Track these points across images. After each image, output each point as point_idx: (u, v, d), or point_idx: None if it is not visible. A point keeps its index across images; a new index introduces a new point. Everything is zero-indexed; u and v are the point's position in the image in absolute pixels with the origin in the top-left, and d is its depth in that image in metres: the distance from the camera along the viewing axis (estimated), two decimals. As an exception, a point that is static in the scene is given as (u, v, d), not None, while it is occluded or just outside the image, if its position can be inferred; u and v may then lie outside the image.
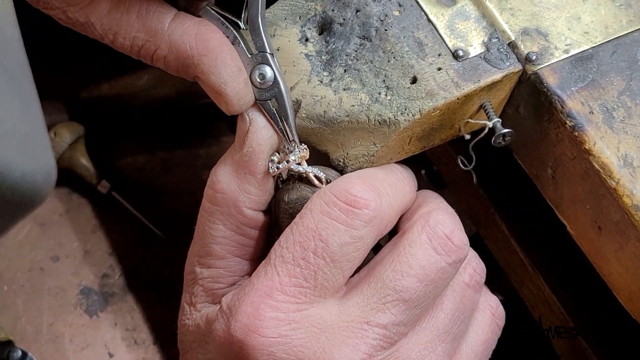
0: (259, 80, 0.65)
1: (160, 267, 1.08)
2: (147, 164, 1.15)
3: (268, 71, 0.65)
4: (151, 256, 1.09)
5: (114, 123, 1.15)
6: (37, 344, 1.02)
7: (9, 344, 1.00)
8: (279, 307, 0.60)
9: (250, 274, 0.67)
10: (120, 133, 1.15)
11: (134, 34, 0.63)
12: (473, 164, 0.70)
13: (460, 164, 0.71)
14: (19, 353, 1.00)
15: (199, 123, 1.16)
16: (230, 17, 0.65)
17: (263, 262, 0.63)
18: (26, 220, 1.08)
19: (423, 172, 1.04)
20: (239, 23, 0.65)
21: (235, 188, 0.65)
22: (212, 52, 0.63)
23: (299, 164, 0.66)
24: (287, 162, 0.65)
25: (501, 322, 0.70)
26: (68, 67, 1.13)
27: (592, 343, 0.76)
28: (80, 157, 1.09)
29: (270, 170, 0.65)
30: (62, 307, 1.04)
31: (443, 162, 0.89)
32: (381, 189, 0.63)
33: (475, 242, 0.90)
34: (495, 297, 0.71)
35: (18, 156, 0.41)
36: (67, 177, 1.10)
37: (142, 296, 1.06)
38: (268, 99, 0.65)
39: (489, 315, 0.69)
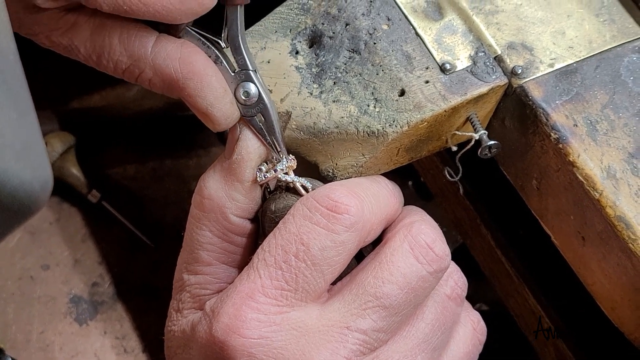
0: (243, 97, 0.66)
1: (149, 276, 1.09)
2: (137, 174, 1.16)
3: (252, 88, 0.66)
4: (140, 265, 1.09)
5: (105, 133, 1.16)
6: (27, 352, 1.03)
7: (-1, 352, 1.00)
8: (260, 309, 0.61)
9: None
10: (111, 143, 1.16)
11: (117, 58, 0.64)
12: (460, 175, 0.71)
13: (447, 175, 0.72)
14: (9, 361, 1.00)
15: (188, 133, 1.18)
16: (210, 36, 0.66)
17: (246, 266, 0.64)
18: (16, 230, 1.09)
19: (410, 183, 1.06)
20: (220, 42, 0.66)
21: (222, 194, 0.66)
22: (197, 75, 0.64)
23: (286, 173, 0.67)
24: (275, 171, 0.67)
25: (482, 337, 0.71)
26: (59, 77, 1.14)
27: (575, 350, 0.77)
28: (70, 166, 1.09)
29: (258, 179, 0.67)
30: (52, 316, 1.05)
31: (430, 173, 0.90)
32: (363, 196, 0.64)
33: (461, 253, 0.92)
34: (477, 312, 0.72)
35: (16, 165, 0.42)
36: (58, 186, 1.11)
37: (132, 305, 1.07)
38: (254, 115, 0.66)
39: (470, 329, 0.70)
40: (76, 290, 1.07)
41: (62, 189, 1.12)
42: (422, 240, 0.64)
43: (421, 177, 0.95)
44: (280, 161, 0.67)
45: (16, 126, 0.43)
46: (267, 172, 0.67)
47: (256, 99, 0.66)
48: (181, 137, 1.18)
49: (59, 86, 1.14)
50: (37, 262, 1.08)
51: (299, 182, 0.67)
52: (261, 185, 0.68)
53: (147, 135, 1.16)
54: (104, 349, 1.04)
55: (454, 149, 0.71)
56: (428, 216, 0.69)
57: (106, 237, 1.11)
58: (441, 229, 0.68)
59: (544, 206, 0.70)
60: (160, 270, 1.09)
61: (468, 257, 0.89)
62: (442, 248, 0.65)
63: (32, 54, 0.45)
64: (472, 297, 1.05)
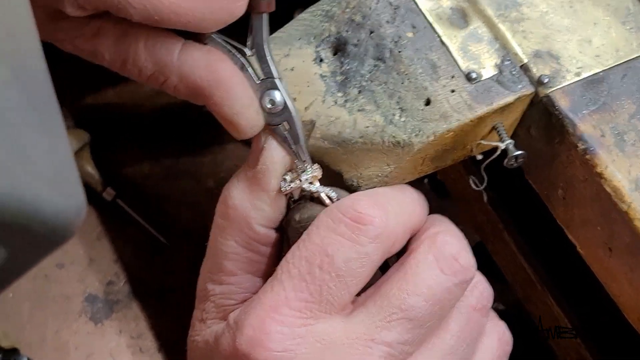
0: (268, 105, 0.65)
1: (164, 275, 1.08)
2: (152, 171, 1.15)
3: (277, 96, 0.66)
4: (156, 264, 1.09)
5: (119, 130, 1.15)
6: (42, 352, 1.02)
7: (14, 352, 1.00)
8: (284, 322, 0.61)
9: None
10: (125, 140, 1.15)
11: (142, 64, 0.63)
12: (485, 184, 0.71)
13: (472, 184, 0.71)
14: (25, 360, 1.00)
15: (203, 130, 1.17)
16: (235, 44, 0.66)
17: (270, 278, 0.64)
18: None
19: (426, 181, 1.05)
20: (245, 50, 0.66)
21: (247, 204, 0.66)
22: (223, 83, 0.63)
23: (310, 183, 0.67)
24: (300, 181, 0.66)
25: (508, 347, 0.71)
26: (72, 73, 1.13)
27: (598, 356, 0.77)
28: (85, 164, 1.09)
29: (283, 189, 0.66)
30: (67, 315, 1.05)
31: (450, 177, 0.89)
32: (388, 206, 0.64)
33: (478, 251, 0.91)
34: (502, 322, 0.71)
35: (49, 193, 0.41)
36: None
37: (147, 304, 1.07)
38: (279, 123, 0.66)
39: (495, 340, 0.70)
40: (91, 289, 1.07)
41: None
42: (447, 251, 0.64)
43: (437, 175, 0.94)
44: (304, 171, 0.66)
45: (48, 152, 0.42)
46: (291, 181, 0.66)
47: (281, 108, 0.66)
48: (196, 134, 1.17)
49: (73, 82, 1.13)
50: (52, 261, 1.08)
51: (323, 192, 0.67)
52: (285, 195, 0.67)
53: (162, 133, 1.16)
54: (119, 348, 1.04)
55: (479, 157, 0.70)
56: (453, 225, 0.69)
57: (121, 235, 1.11)
58: (458, 227, 0.68)
59: (570, 216, 0.70)
60: (176, 270, 1.09)
61: (484, 255, 0.89)
62: (467, 259, 0.65)
63: (44, 50, 0.44)
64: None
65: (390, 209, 0.64)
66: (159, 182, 1.15)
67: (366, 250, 0.62)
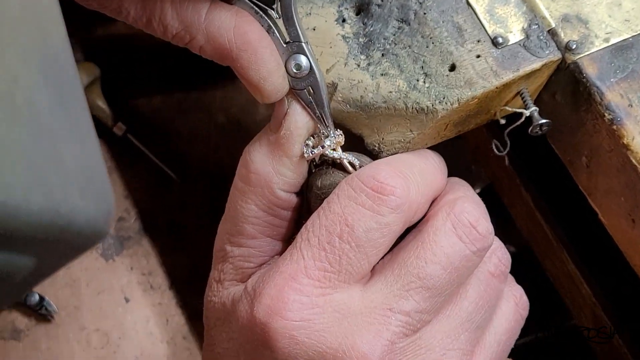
0: (294, 70, 0.64)
1: (175, 211, 1.08)
2: (163, 105, 1.14)
3: (303, 61, 0.64)
4: (166, 200, 1.09)
5: (130, 64, 1.13)
6: (53, 288, 1.03)
7: (26, 289, 1.00)
8: (302, 291, 0.61)
9: (280, 254, 0.68)
10: (136, 74, 1.13)
11: (168, 22, 0.61)
12: (507, 149, 0.70)
13: (495, 149, 0.70)
14: (36, 297, 1.01)
15: (216, 64, 1.15)
16: (263, 5, 0.64)
17: (290, 245, 0.64)
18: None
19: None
20: (271, 12, 0.64)
21: (269, 169, 0.65)
22: (251, 46, 0.62)
23: (333, 149, 0.66)
24: (322, 147, 0.65)
25: (525, 312, 0.71)
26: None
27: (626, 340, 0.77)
28: (96, 98, 1.08)
29: (305, 155, 0.65)
30: (79, 251, 1.05)
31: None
32: (410, 175, 0.63)
33: (488, 193, 0.91)
34: (519, 287, 0.71)
35: (81, 203, 0.41)
36: (83, 117, 1.09)
37: (158, 240, 1.06)
38: (304, 88, 0.64)
39: (512, 305, 0.70)
40: (102, 225, 1.07)
41: (86, 120, 1.10)
42: (465, 218, 0.63)
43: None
44: (328, 136, 0.65)
45: (80, 158, 0.41)
46: (314, 147, 0.65)
47: (307, 72, 0.64)
48: (208, 68, 1.15)
49: (83, 14, 1.11)
50: (62, 196, 1.07)
51: (346, 158, 0.66)
52: (308, 161, 0.66)
53: (173, 66, 1.14)
54: (130, 285, 1.04)
55: (503, 122, 0.69)
56: (472, 190, 0.69)
57: (132, 170, 1.10)
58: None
59: (593, 184, 0.69)
60: (187, 205, 1.08)
61: (494, 197, 0.88)
62: (485, 226, 0.64)
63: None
64: (499, 239, 1.05)
65: (412, 177, 0.64)
66: (169, 116, 1.13)
67: (387, 220, 0.61)
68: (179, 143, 1.12)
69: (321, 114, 0.65)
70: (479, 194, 1.08)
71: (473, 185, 1.08)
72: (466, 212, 0.64)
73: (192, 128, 1.13)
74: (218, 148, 1.12)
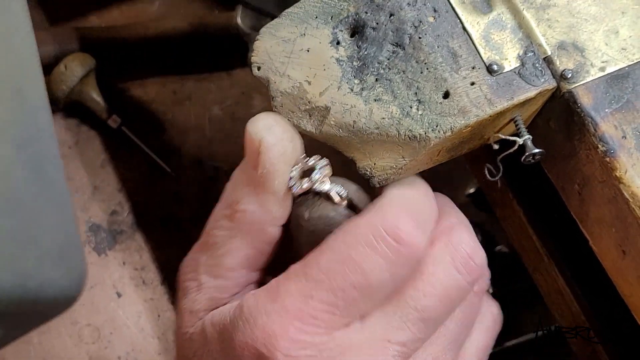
0: None
1: (169, 204, 1.08)
2: (158, 97, 1.14)
3: None
4: (160, 193, 1.09)
5: (125, 54, 1.13)
6: (46, 282, 1.03)
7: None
8: (308, 331, 0.60)
9: (255, 282, 0.68)
10: (131, 65, 1.13)
11: None
12: (500, 174, 0.69)
13: (487, 174, 0.70)
14: (29, 291, 1.01)
15: (211, 56, 1.15)
16: None
17: (293, 276, 0.63)
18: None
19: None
20: None
21: (256, 208, 0.65)
22: None
23: (322, 182, 0.65)
24: (311, 181, 0.65)
25: (499, 327, 0.72)
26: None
27: (605, 342, 0.77)
28: (91, 90, 1.07)
29: (294, 191, 0.65)
30: (71, 244, 1.05)
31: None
32: (426, 224, 0.63)
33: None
34: (495, 302, 0.72)
35: (54, 273, 0.41)
36: (77, 109, 1.09)
37: (151, 235, 1.07)
38: None
39: (490, 321, 0.70)
40: (95, 219, 1.07)
41: (81, 111, 1.10)
42: (463, 250, 0.64)
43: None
44: (314, 169, 0.65)
45: (54, 229, 0.41)
46: (301, 179, 0.65)
47: None
48: (203, 59, 1.15)
49: (78, 4, 1.11)
50: (56, 188, 1.07)
51: (334, 190, 0.65)
52: (295, 195, 0.66)
53: (168, 57, 1.14)
54: (122, 280, 1.05)
55: (496, 147, 0.69)
56: (461, 214, 0.68)
57: (126, 163, 1.10)
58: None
59: (585, 212, 0.69)
60: (180, 200, 1.08)
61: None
62: (481, 257, 0.65)
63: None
64: (493, 240, 1.05)
65: (427, 226, 0.64)
66: (164, 108, 1.13)
67: (403, 272, 0.62)
68: (173, 135, 1.12)
69: None
70: (475, 193, 1.09)
71: (468, 184, 1.09)
72: (464, 242, 0.64)
73: (186, 120, 1.13)
74: (212, 140, 1.12)
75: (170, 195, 1.08)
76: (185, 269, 0.70)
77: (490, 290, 0.72)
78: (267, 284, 0.65)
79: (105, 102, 1.08)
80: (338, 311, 0.61)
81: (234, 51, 1.11)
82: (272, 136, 0.64)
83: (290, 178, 0.65)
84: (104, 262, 1.05)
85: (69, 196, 0.44)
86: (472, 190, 1.10)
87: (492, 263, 1.07)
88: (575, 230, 0.74)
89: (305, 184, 0.64)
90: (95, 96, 1.07)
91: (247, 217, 0.65)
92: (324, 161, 0.65)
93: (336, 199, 0.65)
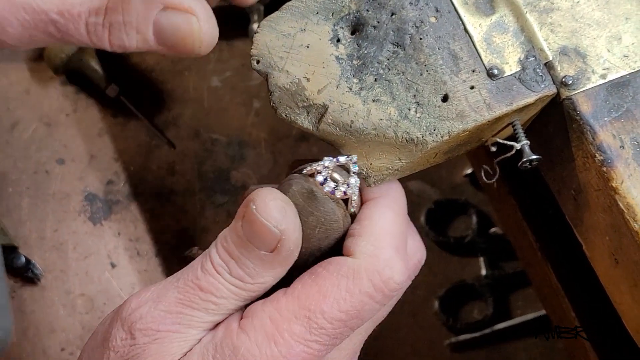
0: None
1: (164, 175, 1.08)
2: (156, 66, 1.13)
3: None
4: (156, 164, 1.09)
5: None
6: (40, 250, 1.03)
7: (13, 250, 1.01)
8: None
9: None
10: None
11: None
12: (497, 176, 0.69)
13: (484, 176, 0.70)
14: (23, 260, 1.01)
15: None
16: None
17: (293, 318, 0.62)
18: (32, 119, 1.07)
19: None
20: None
21: (272, 280, 0.65)
22: None
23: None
24: (349, 186, 0.65)
25: None
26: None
27: (592, 340, 0.77)
28: (89, 59, 1.07)
29: (332, 194, 0.65)
30: (67, 213, 1.05)
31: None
32: (407, 257, 0.66)
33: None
34: None
35: None
36: (75, 76, 1.09)
37: (146, 206, 1.07)
38: None
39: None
40: (91, 188, 1.07)
41: (78, 79, 1.09)
42: (391, 285, 0.64)
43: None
44: (344, 183, 0.65)
45: None
46: (336, 184, 0.65)
47: None
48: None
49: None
50: (52, 156, 1.07)
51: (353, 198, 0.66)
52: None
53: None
54: (117, 251, 1.05)
55: (493, 149, 0.69)
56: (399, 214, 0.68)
57: (123, 133, 1.10)
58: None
59: (579, 217, 0.69)
60: (176, 170, 1.08)
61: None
62: (402, 282, 0.65)
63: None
64: (489, 221, 1.05)
65: (405, 254, 0.66)
66: (163, 78, 1.12)
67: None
68: (171, 105, 1.11)
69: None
70: (473, 173, 1.08)
71: (466, 164, 1.08)
72: (393, 281, 0.64)
73: (185, 91, 1.12)
74: (210, 112, 1.12)
75: (165, 166, 1.08)
76: (177, 302, 0.65)
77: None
78: (260, 321, 0.64)
79: (104, 71, 1.08)
80: (331, 346, 0.63)
81: (234, 22, 1.11)
82: (290, 223, 0.63)
83: (326, 179, 0.64)
84: (99, 232, 1.05)
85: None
86: (469, 171, 1.10)
87: (486, 245, 1.09)
88: (570, 228, 0.74)
89: (343, 190, 0.64)
90: (94, 64, 1.07)
91: (263, 288, 0.65)
92: (354, 157, 0.65)
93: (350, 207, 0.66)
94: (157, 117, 1.10)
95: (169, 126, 1.10)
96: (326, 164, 0.65)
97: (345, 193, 0.64)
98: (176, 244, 1.06)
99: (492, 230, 1.08)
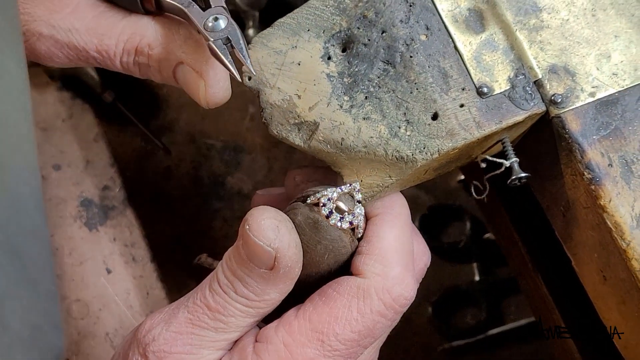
0: (211, 24, 0.67)
1: (160, 180, 1.09)
2: (152, 71, 1.13)
3: (221, 19, 0.67)
4: (152, 169, 1.09)
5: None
6: (37, 256, 1.03)
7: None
8: None
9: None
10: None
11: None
12: (486, 192, 0.70)
13: (474, 192, 0.70)
14: (19, 265, 1.01)
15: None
16: None
17: (307, 341, 0.64)
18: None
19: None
20: None
21: (279, 296, 0.66)
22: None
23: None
24: (354, 215, 0.65)
25: None
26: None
27: (582, 346, 0.78)
28: (85, 65, 1.07)
29: (339, 226, 0.65)
30: (62, 219, 1.05)
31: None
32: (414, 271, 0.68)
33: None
34: None
35: (25, 358, 0.40)
36: (71, 81, 1.09)
37: (142, 211, 1.07)
38: (221, 37, 0.66)
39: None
40: (87, 194, 1.07)
41: (74, 84, 1.10)
42: (402, 301, 0.65)
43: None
44: (350, 212, 0.65)
45: (30, 313, 0.41)
46: (342, 216, 0.65)
47: (224, 26, 0.67)
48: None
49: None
50: (48, 162, 1.07)
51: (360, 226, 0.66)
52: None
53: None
54: (112, 256, 1.05)
55: (483, 165, 0.69)
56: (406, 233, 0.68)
57: (119, 138, 1.10)
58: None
59: (568, 233, 0.69)
60: (172, 175, 1.09)
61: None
62: (412, 297, 0.66)
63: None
64: (482, 227, 1.06)
65: (413, 268, 0.67)
66: (158, 83, 1.13)
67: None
68: (167, 111, 1.12)
69: (240, 56, 0.67)
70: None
71: (459, 170, 1.09)
72: (404, 297, 0.65)
73: (180, 96, 1.12)
74: (206, 117, 1.12)
75: (161, 171, 1.09)
76: (186, 323, 0.66)
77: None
78: (274, 346, 0.64)
79: (100, 77, 1.08)
80: None
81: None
82: (284, 241, 0.63)
83: (331, 211, 0.65)
84: (95, 237, 1.05)
85: (53, 275, 0.43)
86: (463, 177, 1.10)
87: (480, 250, 1.09)
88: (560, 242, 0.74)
89: (348, 220, 0.65)
90: (89, 70, 1.07)
91: (270, 304, 0.65)
92: (357, 185, 0.66)
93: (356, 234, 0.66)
94: (152, 122, 1.10)
95: (165, 131, 1.11)
96: (330, 196, 0.65)
97: (351, 223, 0.65)
98: (172, 249, 1.06)
99: (486, 235, 1.08)
